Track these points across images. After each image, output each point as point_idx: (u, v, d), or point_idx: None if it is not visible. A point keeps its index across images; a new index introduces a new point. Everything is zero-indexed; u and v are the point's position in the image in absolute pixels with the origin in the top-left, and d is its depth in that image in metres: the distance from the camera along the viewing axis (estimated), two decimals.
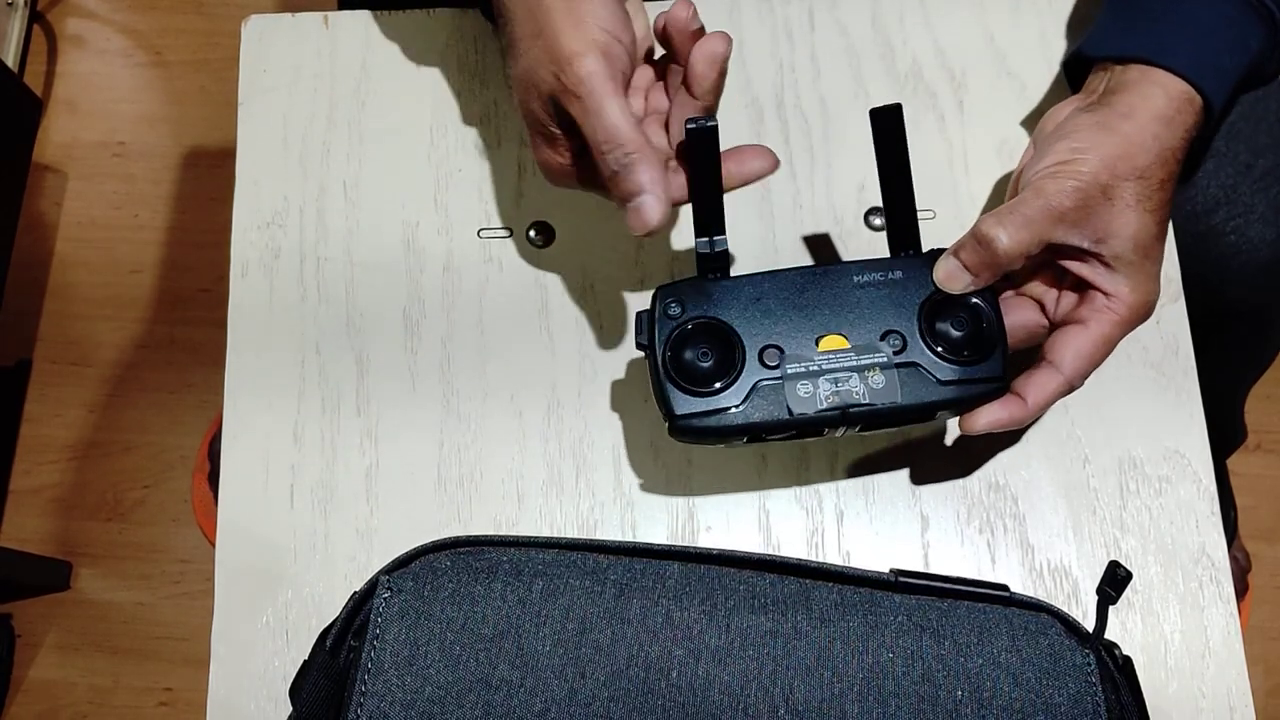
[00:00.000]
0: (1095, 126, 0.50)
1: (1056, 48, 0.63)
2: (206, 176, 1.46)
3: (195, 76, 1.51)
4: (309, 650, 0.47)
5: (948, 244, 0.50)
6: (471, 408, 0.58)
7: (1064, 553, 0.54)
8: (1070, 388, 0.50)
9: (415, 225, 0.61)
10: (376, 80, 0.64)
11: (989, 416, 0.49)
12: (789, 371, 0.48)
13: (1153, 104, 0.50)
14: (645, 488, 0.56)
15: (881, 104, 0.51)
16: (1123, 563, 0.45)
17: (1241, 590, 1.20)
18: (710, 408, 0.48)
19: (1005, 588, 0.47)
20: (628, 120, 0.47)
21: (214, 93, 1.49)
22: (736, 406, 0.48)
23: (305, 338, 0.59)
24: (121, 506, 1.31)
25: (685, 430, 0.49)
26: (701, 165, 0.51)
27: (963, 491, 0.56)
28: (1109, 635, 0.46)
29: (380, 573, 0.47)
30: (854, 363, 0.48)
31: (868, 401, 0.48)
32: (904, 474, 0.56)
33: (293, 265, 0.61)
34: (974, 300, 0.50)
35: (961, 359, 0.49)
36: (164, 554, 1.29)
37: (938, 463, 0.56)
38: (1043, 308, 0.52)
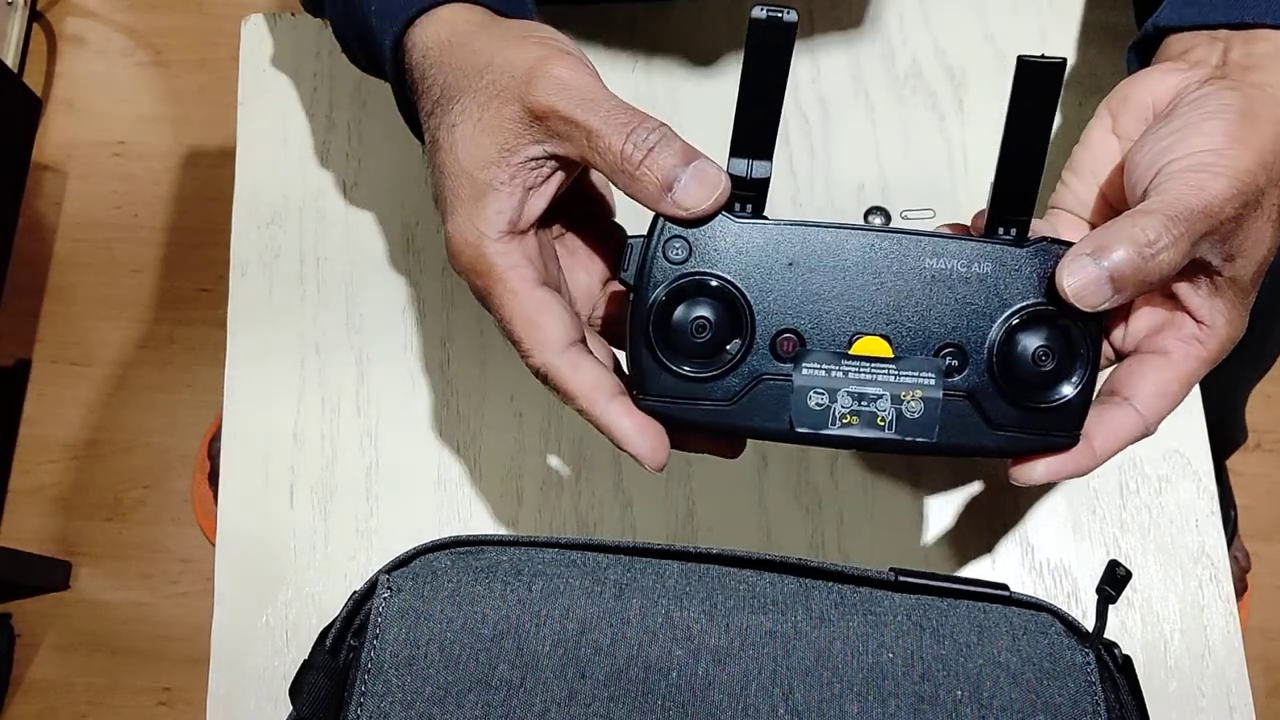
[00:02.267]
0: (1244, 115, 0.38)
1: (1057, 47, 0.63)
2: (206, 176, 1.46)
3: (195, 76, 1.51)
4: (309, 650, 0.47)
5: None
6: (471, 408, 0.58)
7: (1064, 552, 0.54)
8: (1146, 433, 0.40)
9: (415, 225, 0.61)
10: (376, 80, 0.64)
11: (1050, 467, 0.39)
12: (804, 374, 0.38)
13: None
14: (645, 488, 0.56)
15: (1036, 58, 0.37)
16: (1122, 562, 0.45)
17: (1241, 590, 1.20)
18: (692, 395, 0.39)
19: (1005, 587, 0.47)
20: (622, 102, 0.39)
21: (214, 93, 1.49)
22: (725, 404, 0.39)
23: (305, 338, 0.59)
24: (121, 506, 1.31)
25: (653, 412, 0.39)
26: (763, 66, 0.39)
27: (963, 491, 0.56)
28: (1109, 634, 0.46)
29: (380, 572, 0.47)
30: (891, 379, 0.38)
31: (894, 436, 0.38)
32: (904, 474, 0.56)
33: (293, 265, 0.61)
34: (1080, 328, 0.38)
35: (1030, 402, 0.38)
36: (164, 554, 1.29)
37: (938, 462, 0.56)
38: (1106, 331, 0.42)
